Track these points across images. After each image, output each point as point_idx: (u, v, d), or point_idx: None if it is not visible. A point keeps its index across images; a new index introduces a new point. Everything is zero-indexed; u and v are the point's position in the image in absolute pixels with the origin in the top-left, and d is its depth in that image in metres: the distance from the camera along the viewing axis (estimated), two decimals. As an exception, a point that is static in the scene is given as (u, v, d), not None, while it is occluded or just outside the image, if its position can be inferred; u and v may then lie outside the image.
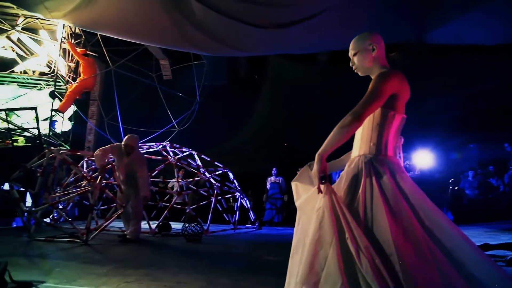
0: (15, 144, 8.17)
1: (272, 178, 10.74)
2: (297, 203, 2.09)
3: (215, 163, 8.72)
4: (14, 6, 8.89)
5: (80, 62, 9.85)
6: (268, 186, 10.76)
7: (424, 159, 9.56)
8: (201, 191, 8.39)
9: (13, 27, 9.69)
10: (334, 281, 1.74)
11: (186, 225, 6.10)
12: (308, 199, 2.04)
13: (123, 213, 5.74)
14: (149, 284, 3.01)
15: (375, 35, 2.17)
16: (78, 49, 9.85)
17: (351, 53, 2.21)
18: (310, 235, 1.89)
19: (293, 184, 2.14)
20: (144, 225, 6.14)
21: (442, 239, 1.77)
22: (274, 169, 10.74)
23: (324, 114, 10.73)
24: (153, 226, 6.86)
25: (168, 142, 8.42)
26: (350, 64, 2.24)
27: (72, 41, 10.37)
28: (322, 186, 1.90)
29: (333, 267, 1.78)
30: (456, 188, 10.24)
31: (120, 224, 6.45)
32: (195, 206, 8.06)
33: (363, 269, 1.74)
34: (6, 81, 10.17)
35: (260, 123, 11.79)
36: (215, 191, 7.81)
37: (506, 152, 10.58)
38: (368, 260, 1.74)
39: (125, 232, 5.79)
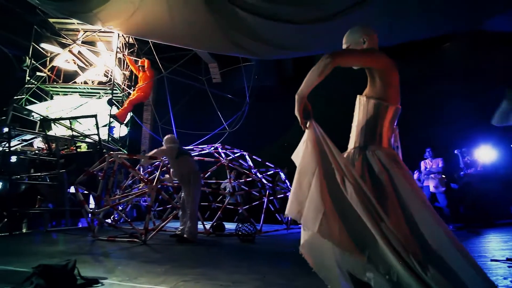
0: (78, 150, 8.68)
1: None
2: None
3: (267, 163, 8.72)
4: (75, 22, 9.48)
5: (138, 76, 10.37)
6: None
7: (486, 154, 8.92)
8: (253, 192, 8.42)
9: (74, 41, 10.36)
10: (317, 209, 1.76)
11: (240, 226, 6.13)
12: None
13: (182, 214, 5.89)
14: (205, 283, 3.04)
15: (366, 28, 2.20)
16: (139, 60, 10.38)
17: (343, 47, 2.24)
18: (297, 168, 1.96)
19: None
20: (199, 225, 6.26)
21: (426, 236, 1.71)
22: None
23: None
24: (207, 226, 6.98)
25: (219, 144, 8.55)
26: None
27: (126, 51, 10.91)
28: (308, 125, 1.99)
29: (316, 195, 1.80)
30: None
31: (176, 224, 6.63)
32: (247, 206, 8.10)
33: (348, 195, 1.76)
34: (69, 91, 10.89)
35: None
36: (267, 191, 7.80)
37: None
38: (353, 186, 1.76)
39: (178, 232, 5.93)
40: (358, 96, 2.11)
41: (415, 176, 9.12)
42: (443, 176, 8.20)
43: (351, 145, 2.11)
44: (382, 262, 1.70)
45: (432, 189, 8.15)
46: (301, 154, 1.96)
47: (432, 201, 8.29)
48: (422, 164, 8.42)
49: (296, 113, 1.96)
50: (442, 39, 9.44)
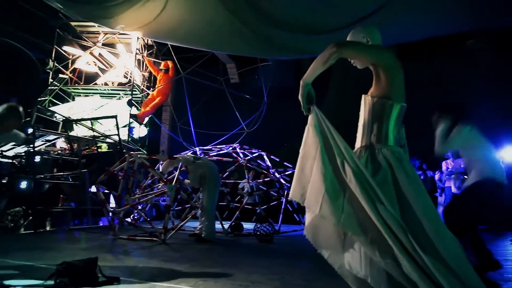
0: (99, 150, 8.84)
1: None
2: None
3: (285, 163, 8.69)
4: (95, 25, 9.67)
5: (157, 77, 10.52)
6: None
7: (511, 154, 8.67)
8: (272, 192, 8.41)
9: (94, 43, 10.57)
10: (318, 191, 1.82)
11: (258, 226, 6.14)
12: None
13: (201, 213, 5.93)
14: (224, 282, 3.05)
15: (369, 27, 2.23)
16: (162, 62, 10.53)
17: None
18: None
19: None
20: (217, 225, 6.29)
21: (424, 239, 1.69)
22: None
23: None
24: (226, 226, 7.00)
25: (238, 144, 8.57)
26: (348, 59, 2.26)
27: (145, 53, 11.06)
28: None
29: (317, 178, 1.85)
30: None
31: (194, 224, 6.68)
32: (265, 206, 8.09)
33: (347, 178, 1.80)
34: (90, 93, 11.11)
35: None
36: (285, 191, 7.78)
37: None
38: (353, 170, 1.80)
39: (197, 231, 5.98)
40: (363, 95, 2.11)
41: (437, 176, 8.94)
42: (466, 176, 8.00)
43: (357, 144, 2.12)
44: (382, 245, 1.71)
45: (454, 189, 7.98)
46: (303, 139, 2.01)
47: (454, 202, 8.12)
48: (444, 164, 8.24)
49: (300, 98, 2.02)
50: (465, 36, 9.22)
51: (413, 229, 1.70)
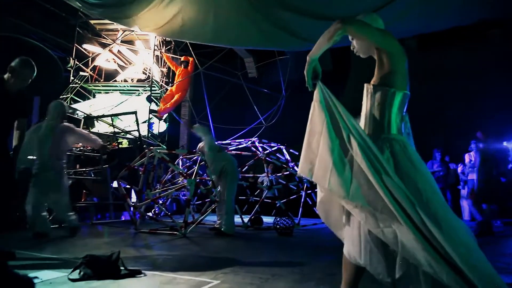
0: (120, 146, 8.98)
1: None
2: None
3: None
4: (114, 22, 9.80)
5: (176, 72, 10.60)
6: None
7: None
8: (291, 185, 8.39)
9: (114, 41, 10.71)
10: (326, 166, 1.82)
11: (278, 219, 6.13)
12: None
13: (218, 207, 5.98)
14: (244, 275, 3.06)
15: (370, 15, 2.17)
16: (182, 58, 10.62)
17: (350, 37, 2.20)
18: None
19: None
20: (236, 219, 6.31)
21: (433, 217, 1.64)
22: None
23: (415, 100, 10.01)
24: (245, 220, 7.02)
25: (256, 138, 8.56)
26: (351, 48, 2.25)
27: (164, 49, 11.14)
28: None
29: (324, 153, 1.85)
30: None
31: (214, 217, 6.72)
32: (285, 200, 8.08)
33: (353, 151, 1.80)
34: (110, 90, 11.28)
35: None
36: (305, 185, 7.74)
37: None
38: (358, 143, 1.79)
39: (217, 225, 6.02)
40: (365, 84, 2.07)
41: (459, 169, 8.73)
42: (490, 169, 7.78)
43: None
44: (388, 217, 1.70)
45: (477, 182, 7.77)
46: (310, 116, 2.01)
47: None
48: (467, 156, 8.02)
49: (305, 73, 2.04)
50: (488, 24, 8.90)
51: (421, 206, 1.66)
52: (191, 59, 10.55)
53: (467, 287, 1.54)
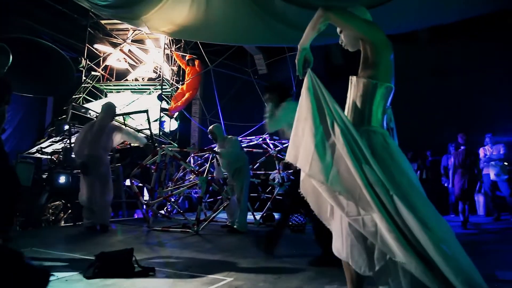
0: (132, 144, 9.04)
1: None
2: None
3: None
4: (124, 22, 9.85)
5: (186, 71, 10.63)
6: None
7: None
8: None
9: (124, 40, 10.77)
10: (308, 150, 1.84)
11: (290, 216, 6.11)
12: None
13: (227, 205, 5.99)
14: (257, 273, 3.06)
15: (358, 8, 2.15)
16: (187, 56, 10.64)
17: (338, 30, 2.21)
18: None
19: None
20: (248, 216, 6.31)
21: (410, 209, 1.63)
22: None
23: (430, 94, 9.87)
24: (257, 217, 7.02)
25: (267, 135, 8.54)
26: (339, 42, 2.25)
27: (174, 47, 11.17)
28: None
29: (308, 138, 1.87)
30: None
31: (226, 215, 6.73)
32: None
33: (336, 137, 1.81)
34: (121, 89, 11.36)
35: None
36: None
37: None
38: (341, 129, 1.80)
39: (229, 223, 6.03)
40: (350, 77, 2.07)
41: (474, 164, 8.60)
42: (505, 163, 7.65)
43: None
44: (365, 205, 1.70)
45: (493, 177, 7.65)
46: (299, 103, 2.02)
47: (493, 190, 7.79)
48: (481, 151, 7.88)
49: (296, 62, 2.07)
50: (504, 14, 8.68)
51: (398, 198, 1.65)
52: (196, 63, 10.53)
53: (438, 281, 1.53)
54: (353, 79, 2.03)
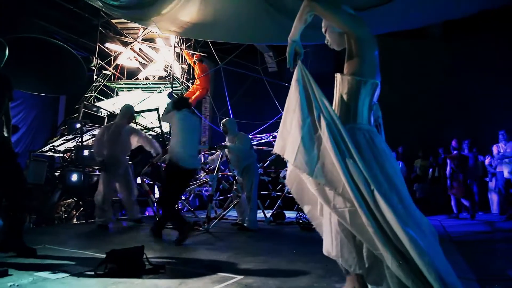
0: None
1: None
2: None
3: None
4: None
5: (195, 69, 10.66)
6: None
7: None
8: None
9: (135, 39, 10.84)
10: (295, 142, 1.84)
11: (300, 214, 6.09)
12: None
13: (238, 203, 5.99)
14: (267, 270, 3.05)
15: (345, 6, 2.13)
16: (195, 54, 10.66)
17: (323, 30, 2.21)
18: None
19: None
20: (259, 214, 6.31)
21: (391, 206, 1.64)
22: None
23: (442, 90, 9.74)
24: (268, 215, 7.01)
25: (277, 132, 8.52)
26: (325, 42, 2.25)
27: (184, 46, 11.20)
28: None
29: (295, 130, 1.87)
30: None
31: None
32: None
33: (321, 130, 1.81)
34: (132, 87, 11.45)
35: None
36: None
37: None
38: (327, 121, 1.81)
39: (239, 221, 6.04)
40: (335, 74, 2.07)
41: (487, 161, 8.46)
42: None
43: None
44: (348, 199, 1.71)
45: (506, 174, 7.50)
46: (288, 95, 2.04)
47: (506, 187, 7.65)
48: (495, 148, 7.74)
49: (287, 54, 2.10)
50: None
51: (380, 195, 1.65)
52: (202, 65, 10.53)
53: (413, 275, 1.53)
54: (338, 77, 2.03)
